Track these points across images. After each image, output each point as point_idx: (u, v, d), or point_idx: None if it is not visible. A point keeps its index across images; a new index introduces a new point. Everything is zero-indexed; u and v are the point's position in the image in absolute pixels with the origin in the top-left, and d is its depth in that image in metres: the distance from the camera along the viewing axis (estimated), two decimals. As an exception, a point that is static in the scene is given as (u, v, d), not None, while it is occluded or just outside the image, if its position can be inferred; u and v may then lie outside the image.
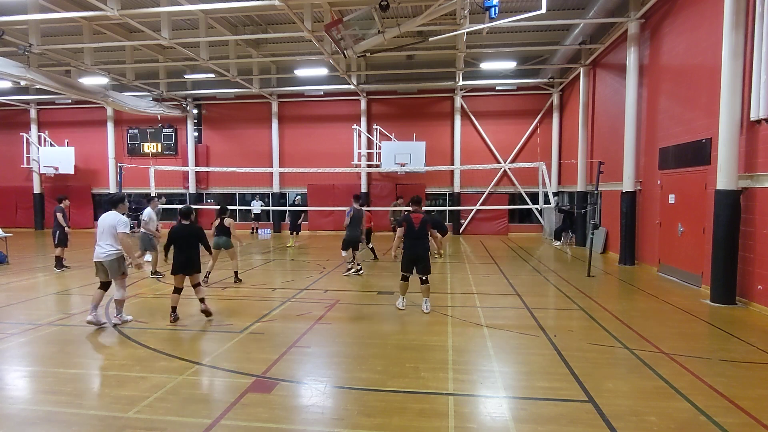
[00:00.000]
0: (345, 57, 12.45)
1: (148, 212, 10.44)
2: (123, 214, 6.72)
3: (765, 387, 4.66)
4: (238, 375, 4.90)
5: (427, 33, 14.66)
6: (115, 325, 6.72)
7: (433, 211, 17.06)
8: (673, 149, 10.39)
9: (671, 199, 10.49)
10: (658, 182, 11.06)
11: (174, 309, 6.93)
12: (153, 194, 15.44)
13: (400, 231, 7.43)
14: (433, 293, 8.92)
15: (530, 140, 21.19)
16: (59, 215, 11.35)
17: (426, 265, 7.39)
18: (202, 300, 7.02)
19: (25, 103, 23.71)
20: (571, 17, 14.16)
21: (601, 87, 15.67)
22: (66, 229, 11.31)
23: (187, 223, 7.14)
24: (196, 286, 7.06)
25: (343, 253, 10.87)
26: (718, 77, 8.07)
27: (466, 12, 12.05)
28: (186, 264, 6.89)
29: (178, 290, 6.95)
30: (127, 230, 6.56)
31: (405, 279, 7.53)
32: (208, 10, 13.52)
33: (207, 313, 7.03)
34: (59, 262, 11.43)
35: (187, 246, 6.92)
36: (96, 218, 23.63)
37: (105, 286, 6.82)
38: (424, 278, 7.40)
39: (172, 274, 6.94)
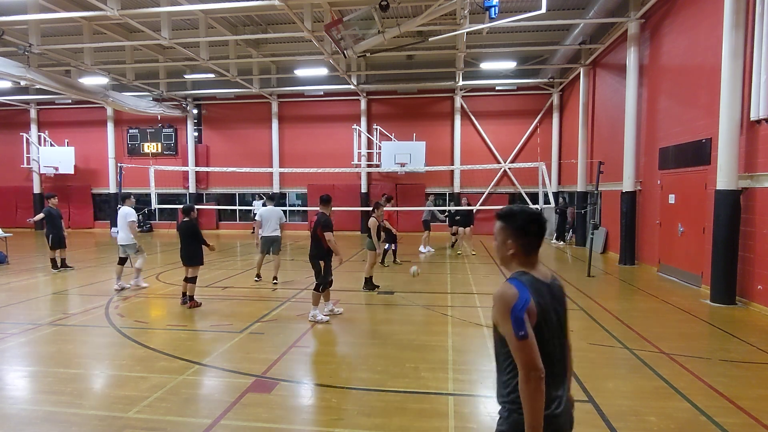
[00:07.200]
0: (345, 57, 12.45)
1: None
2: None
3: (765, 387, 4.66)
4: (238, 375, 4.90)
5: (427, 33, 14.65)
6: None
7: (445, 211, 16.95)
8: (673, 149, 10.38)
9: (671, 199, 10.49)
10: (658, 182, 11.06)
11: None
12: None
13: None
14: (434, 293, 8.95)
15: (530, 140, 21.18)
16: (40, 216, 11.40)
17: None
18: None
19: (25, 103, 23.69)
20: (571, 17, 14.15)
21: (601, 87, 15.66)
22: (45, 229, 11.30)
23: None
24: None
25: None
26: (718, 77, 8.07)
27: (466, 12, 12.05)
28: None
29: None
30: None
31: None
32: (208, 10, 13.51)
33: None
34: (54, 263, 11.34)
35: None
36: (96, 218, 23.90)
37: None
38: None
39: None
